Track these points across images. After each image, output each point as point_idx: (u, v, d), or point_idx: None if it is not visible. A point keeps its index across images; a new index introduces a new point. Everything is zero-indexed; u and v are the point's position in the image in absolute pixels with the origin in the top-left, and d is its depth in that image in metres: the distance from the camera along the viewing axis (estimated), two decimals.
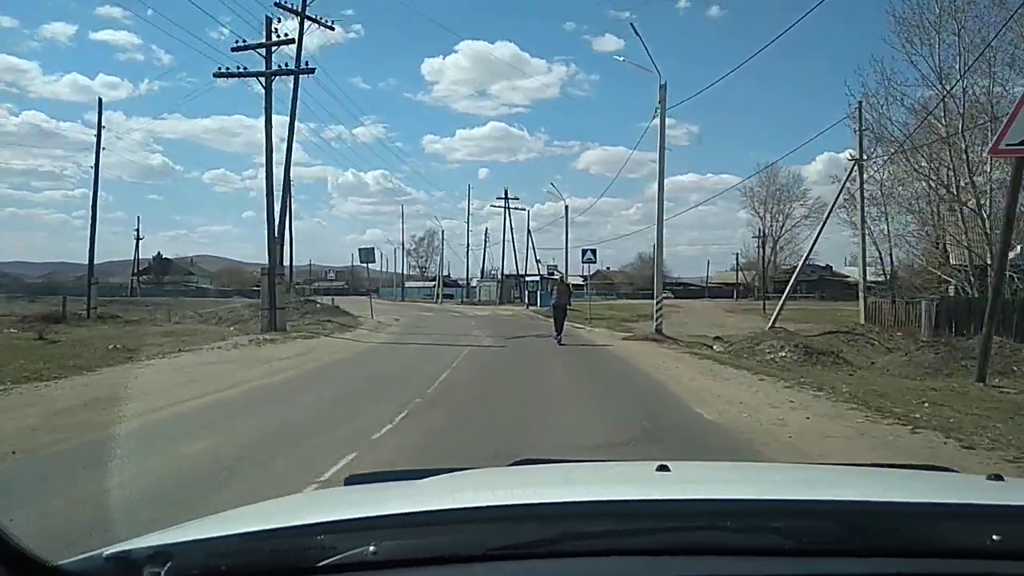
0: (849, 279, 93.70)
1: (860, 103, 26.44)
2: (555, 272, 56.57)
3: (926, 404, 9.66)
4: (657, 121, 22.81)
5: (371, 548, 1.12)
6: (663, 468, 1.57)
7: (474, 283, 79.27)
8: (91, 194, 30.63)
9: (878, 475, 1.95)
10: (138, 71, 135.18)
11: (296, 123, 23.08)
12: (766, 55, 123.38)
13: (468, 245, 77.36)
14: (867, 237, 32.58)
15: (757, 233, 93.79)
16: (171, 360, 13.44)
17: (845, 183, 28.33)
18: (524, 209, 65.63)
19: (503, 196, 63.99)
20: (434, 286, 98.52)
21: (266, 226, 21.56)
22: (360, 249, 29.20)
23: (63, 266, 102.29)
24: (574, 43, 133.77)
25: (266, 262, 22.00)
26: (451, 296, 78.13)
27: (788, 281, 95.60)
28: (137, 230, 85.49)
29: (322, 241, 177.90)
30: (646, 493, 1.38)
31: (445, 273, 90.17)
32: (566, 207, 44.13)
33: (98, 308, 28.38)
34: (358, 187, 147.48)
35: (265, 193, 21.34)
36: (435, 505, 1.33)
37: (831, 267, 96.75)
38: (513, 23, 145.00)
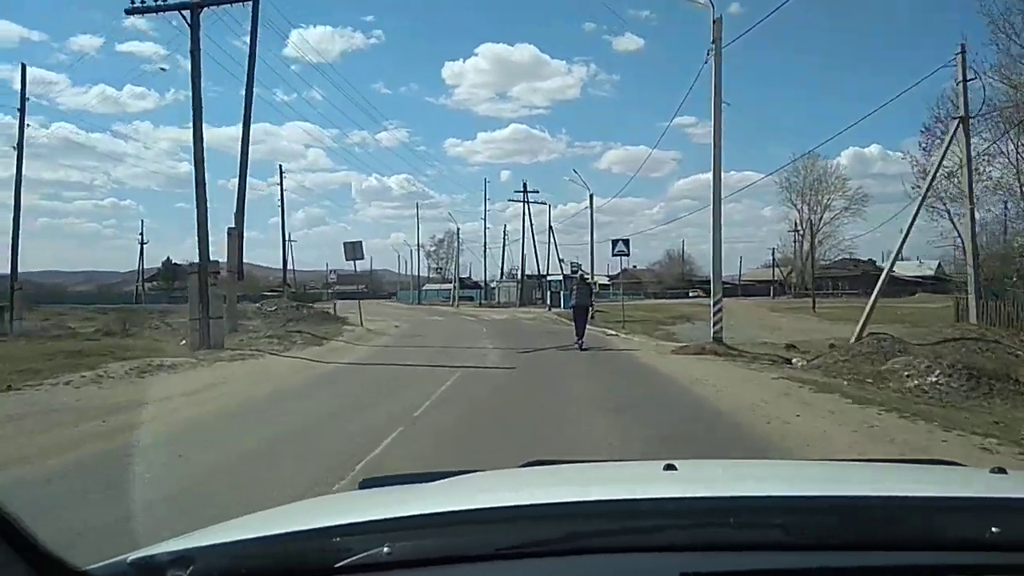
0: (894, 273, 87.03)
1: (963, 46, 20.80)
2: (578, 270, 51.13)
3: None
4: (711, 65, 17.33)
5: (385, 549, 1.13)
6: (670, 467, 1.59)
7: (494, 284, 73.54)
8: (14, 188, 25.38)
9: (881, 470, 1.99)
10: (164, 81, 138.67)
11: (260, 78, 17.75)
12: (782, 57, 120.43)
13: (485, 243, 71.59)
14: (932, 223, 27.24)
15: (793, 226, 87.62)
16: None
17: (947, 149, 22.46)
18: (544, 203, 59.97)
19: (522, 190, 58.22)
20: (453, 288, 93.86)
21: (196, 210, 16.27)
22: (345, 244, 23.79)
23: (95, 274, 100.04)
24: (594, 43, 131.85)
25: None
26: (471, 298, 72.81)
27: (828, 277, 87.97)
28: (141, 234, 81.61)
29: (339, 246, 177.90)
30: (652, 492, 1.41)
31: (465, 275, 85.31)
32: (591, 196, 38.29)
33: (21, 320, 23.21)
34: (381, 192, 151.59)
35: (193, 163, 16.06)
36: (447, 506, 1.33)
37: (874, 261, 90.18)
38: (532, 25, 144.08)
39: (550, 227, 57.38)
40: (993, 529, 1.12)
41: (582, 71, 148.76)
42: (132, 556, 1.19)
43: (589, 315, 17.14)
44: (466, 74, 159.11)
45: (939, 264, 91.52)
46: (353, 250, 23.63)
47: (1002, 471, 1.55)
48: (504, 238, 72.35)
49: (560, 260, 53.43)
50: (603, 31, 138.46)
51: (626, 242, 23.74)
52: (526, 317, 39.66)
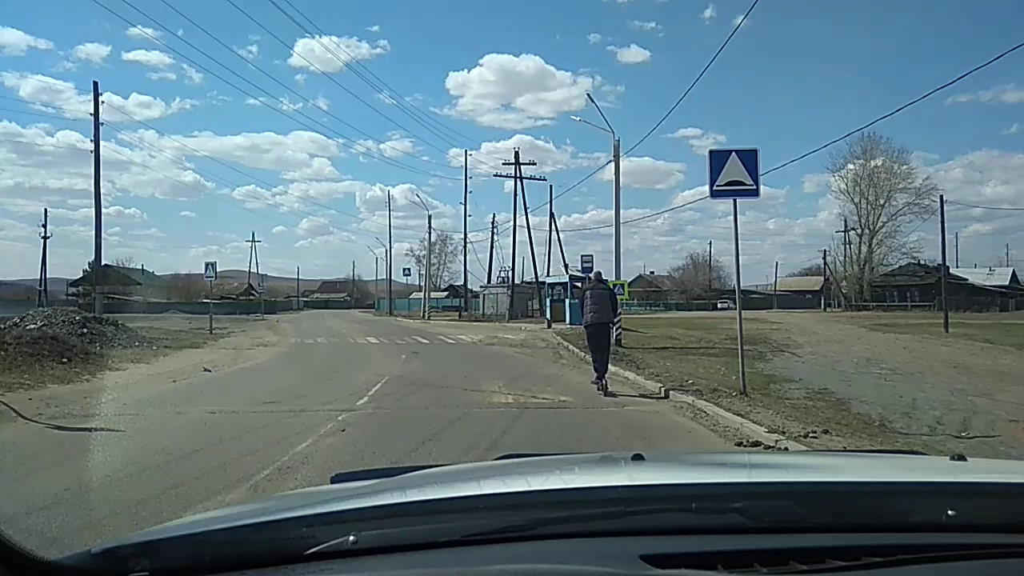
0: (969, 282, 71.39)
1: None
2: (590, 271, 35.55)
3: None
4: None
5: (351, 538, 1.15)
6: (638, 457, 1.61)
7: (478, 291, 57.97)
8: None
9: (845, 459, 2.16)
10: (170, 90, 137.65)
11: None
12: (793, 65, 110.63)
13: (465, 235, 56.31)
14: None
15: (847, 226, 72.31)
16: None
17: None
18: (543, 179, 44.68)
19: (513, 161, 42.89)
20: (445, 296, 78.71)
21: None
22: None
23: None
24: (599, 55, 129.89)
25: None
26: (456, 308, 57.51)
27: (892, 285, 68.37)
28: (44, 225, 66.77)
29: (347, 255, 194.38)
30: (616, 480, 1.48)
31: (459, 283, 70.48)
32: (616, 144, 22.69)
33: None
34: (386, 201, 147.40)
35: None
36: (413, 497, 1.37)
37: (947, 267, 74.33)
38: (537, 36, 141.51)
39: (551, 215, 42.17)
40: (949, 512, 1.15)
41: (587, 82, 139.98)
42: (96, 548, 1.19)
43: (612, 337, 12.90)
44: (471, 84, 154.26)
45: (1013, 272, 75.58)
46: None
47: (962, 458, 1.59)
48: (493, 229, 56.81)
49: (565, 265, 38.24)
50: (608, 42, 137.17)
51: (749, 158, 8.37)
52: (511, 340, 24.57)
